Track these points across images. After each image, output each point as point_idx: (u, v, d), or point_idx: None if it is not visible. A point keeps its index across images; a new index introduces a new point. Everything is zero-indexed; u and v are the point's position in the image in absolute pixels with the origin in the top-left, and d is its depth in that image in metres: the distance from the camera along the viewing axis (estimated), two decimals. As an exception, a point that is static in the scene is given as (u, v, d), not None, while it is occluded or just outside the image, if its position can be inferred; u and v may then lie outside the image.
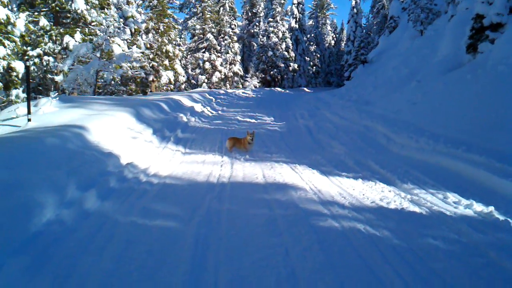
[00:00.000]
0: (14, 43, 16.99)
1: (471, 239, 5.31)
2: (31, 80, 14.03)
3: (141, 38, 30.26)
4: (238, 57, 53.86)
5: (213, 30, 51.02)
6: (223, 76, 50.20)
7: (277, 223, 5.94)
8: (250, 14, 68.98)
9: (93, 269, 4.44)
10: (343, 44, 75.89)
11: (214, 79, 48.71)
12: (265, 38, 59.79)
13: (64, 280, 4.17)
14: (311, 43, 70.98)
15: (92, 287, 4.10)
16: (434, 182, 8.02)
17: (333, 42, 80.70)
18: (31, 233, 5.10)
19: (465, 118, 11.53)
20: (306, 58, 67.08)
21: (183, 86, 46.25)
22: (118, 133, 10.93)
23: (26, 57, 22.04)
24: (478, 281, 4.31)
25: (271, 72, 59.60)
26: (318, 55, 71.70)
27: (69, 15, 23.28)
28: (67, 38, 21.57)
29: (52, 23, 22.82)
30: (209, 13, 51.04)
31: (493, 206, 6.54)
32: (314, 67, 70.88)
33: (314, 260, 4.74)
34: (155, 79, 32.84)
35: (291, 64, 60.15)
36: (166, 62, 34.23)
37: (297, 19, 65.07)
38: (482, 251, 4.97)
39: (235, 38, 55.23)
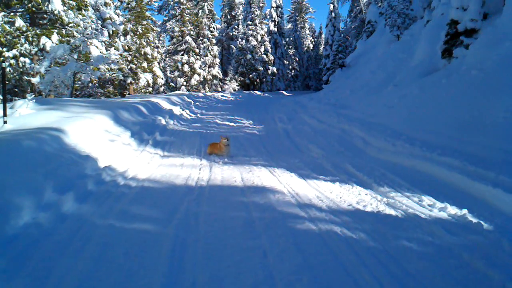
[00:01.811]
0: (-11, 44, 16.76)
1: (444, 241, 5.42)
2: (6, 82, 13.86)
3: (119, 40, 30.09)
4: (217, 60, 53.85)
5: (192, 32, 50.94)
6: (202, 79, 50.14)
7: (255, 226, 5.98)
8: (229, 17, 69.15)
9: (70, 271, 4.43)
10: (321, 48, 76.45)
11: (193, 81, 48.62)
12: (244, 41, 59.94)
13: (41, 283, 4.16)
14: (290, 46, 71.36)
15: (69, 290, 4.09)
16: (410, 185, 8.15)
17: (311, 46, 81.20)
18: (8, 236, 5.06)
19: (441, 122, 11.73)
20: (285, 61, 67.38)
21: (161, 89, 46.09)
22: (95, 135, 10.86)
23: (2, 58, 21.73)
24: (451, 281, 4.40)
25: (250, 75, 59.72)
26: (297, 59, 72.10)
27: (45, 16, 23.02)
28: (43, 40, 21.32)
29: (28, 24, 22.54)
30: (188, 15, 50.93)
31: (466, 209, 6.67)
32: (293, 71, 71.26)
33: (291, 261, 4.80)
34: (133, 81, 32.67)
35: (270, 67, 60.38)
36: (145, 64, 34.10)
37: (276, 23, 65.31)
38: (455, 253, 5.07)
39: (214, 41, 55.25)
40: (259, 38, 59.71)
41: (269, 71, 60.50)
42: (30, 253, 4.77)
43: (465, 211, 6.58)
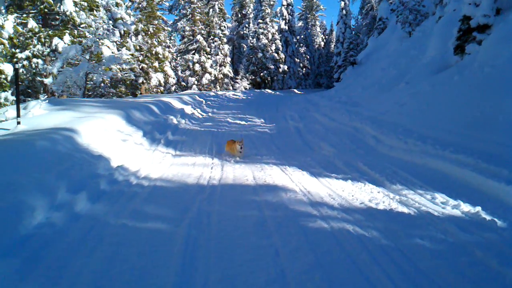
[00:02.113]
0: (2, 45, 16.93)
1: (458, 239, 5.39)
2: (20, 83, 14.00)
3: (131, 40, 30.21)
4: (228, 59, 53.87)
5: (202, 31, 51.03)
6: (213, 78, 50.21)
7: (267, 225, 5.98)
8: (239, 15, 69.16)
9: (83, 270, 4.46)
10: (332, 46, 76.32)
11: (204, 81, 48.71)
12: (255, 39, 59.97)
13: (55, 282, 4.19)
14: (301, 44, 71.25)
15: (83, 289, 4.12)
16: (422, 183, 8.11)
17: (322, 43, 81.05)
18: (22, 235, 5.11)
19: (453, 119, 11.65)
20: (296, 59, 67.30)
21: (173, 88, 46.24)
22: (108, 135, 10.93)
23: (15, 59, 21.93)
24: (464, 279, 4.38)
25: (261, 74, 59.75)
26: (308, 57, 72.00)
27: (57, 17, 23.20)
28: (56, 40, 21.49)
29: (40, 25, 22.72)
30: (198, 14, 51.05)
31: (480, 206, 6.62)
32: (304, 69, 71.14)
33: (304, 260, 4.79)
34: (144, 81, 32.81)
35: (281, 65, 60.35)
36: (156, 64, 34.21)
37: (287, 21, 65.30)
38: (469, 251, 5.04)
39: (225, 40, 55.25)
40: (270, 37, 59.71)
41: (280, 70, 60.47)
42: (44, 253, 4.81)
43: (478, 208, 6.53)
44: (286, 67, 60.96)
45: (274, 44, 59.87)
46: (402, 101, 15.88)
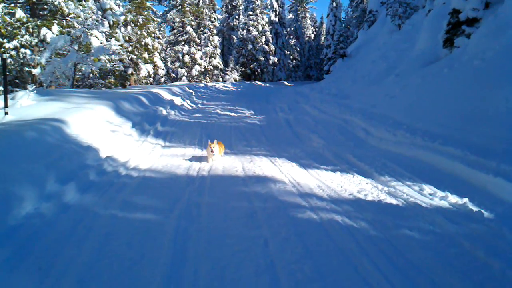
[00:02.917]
0: (-11, 35, 16.72)
1: (445, 230, 5.44)
2: (7, 73, 13.87)
3: (120, 30, 29.94)
4: (218, 51, 53.67)
5: (192, 23, 50.77)
6: (203, 70, 50.03)
7: (257, 216, 6.01)
8: (229, 7, 68.85)
9: (73, 261, 4.46)
10: (322, 38, 76.29)
11: (194, 72, 48.52)
12: (245, 31, 59.80)
13: (44, 272, 4.19)
14: (291, 36, 71.19)
15: (72, 279, 4.11)
16: (411, 175, 8.16)
17: (312, 36, 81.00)
18: (10, 226, 5.09)
19: (442, 112, 11.70)
20: (286, 51, 67.23)
21: (162, 80, 46.04)
22: (97, 126, 10.87)
23: (2, 49, 21.68)
24: (451, 270, 4.42)
25: (251, 66, 59.67)
26: (298, 49, 71.97)
27: (46, 7, 22.93)
28: (44, 31, 21.25)
29: (28, 15, 22.47)
30: (188, 5, 50.76)
31: (467, 197, 6.68)
32: (294, 61, 71.14)
33: (293, 251, 4.82)
34: (134, 72, 32.59)
35: (271, 57, 60.29)
36: (145, 55, 33.98)
37: (277, 13, 65.18)
38: (456, 241, 5.09)
39: (215, 31, 55.02)
40: (260, 28, 59.59)
41: (270, 62, 60.42)
42: (33, 243, 4.79)
43: (466, 199, 6.59)
44: (276, 59, 60.88)
45: (264, 36, 59.76)
46: (392, 93, 15.92)
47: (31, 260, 4.42)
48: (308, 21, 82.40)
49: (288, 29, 70.74)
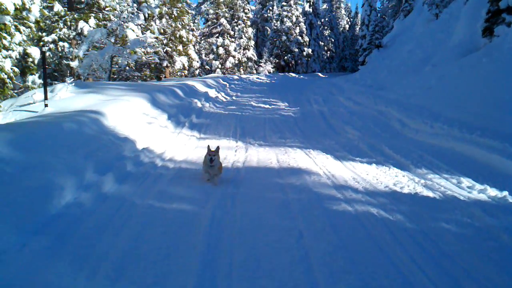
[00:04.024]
0: (29, 29, 17.13)
1: (484, 223, 5.35)
2: (47, 66, 14.20)
3: (155, 23, 30.25)
4: (252, 42, 53.63)
5: (226, 14, 50.79)
6: (236, 62, 50.09)
7: (291, 207, 6.02)
8: (263, -2, 68.59)
9: (111, 249, 4.56)
10: (357, 29, 75.30)
11: (228, 64, 48.64)
12: (278, 22, 59.57)
13: (83, 260, 4.29)
14: (325, 27, 70.58)
15: (110, 267, 4.20)
16: (448, 167, 8.03)
17: (347, 26, 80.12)
18: (51, 214, 5.23)
19: (481, 103, 11.46)
20: (320, 42, 66.73)
21: (197, 72, 46.29)
22: (133, 118, 11.04)
23: (42, 43, 22.22)
24: (489, 263, 4.35)
25: (285, 57, 59.42)
26: (333, 40, 71.34)
27: (83, 0, 23.38)
28: (81, 24, 21.69)
29: (66, 9, 22.93)
30: (222, -3, 50.80)
31: (507, 191, 6.55)
32: (328, 52, 70.54)
33: (327, 242, 4.81)
34: (169, 64, 32.90)
35: (305, 49, 59.90)
36: (180, 47, 34.24)
37: (311, 3, 64.68)
38: (495, 235, 5.01)
39: (249, 23, 54.94)
40: (294, 19, 59.23)
41: (304, 53, 60.04)
42: (73, 232, 4.92)
43: (505, 193, 6.46)
44: (310, 51, 60.47)
45: (298, 27, 59.39)
46: (429, 84, 15.66)
47: (71, 248, 4.54)
48: (343, 12, 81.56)
49: (323, 20, 70.16)
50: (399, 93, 17.18)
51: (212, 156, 6.95)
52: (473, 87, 12.64)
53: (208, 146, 7.25)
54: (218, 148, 7.22)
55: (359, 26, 69.60)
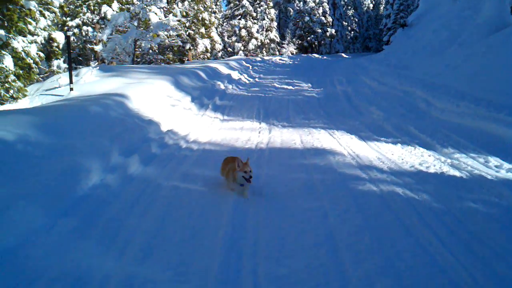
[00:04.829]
0: (54, 14, 17.29)
1: (512, 203, 5.26)
2: (71, 51, 14.35)
3: (177, 6, 30.19)
4: (274, 24, 53.25)
5: (249, -4, 50.47)
6: (259, 43, 49.86)
7: (316, 187, 6.00)
8: (286, -22, 67.88)
9: (138, 230, 4.62)
10: (382, 8, 74.00)
11: (251, 46, 48.47)
12: (301, 3, 58.94)
13: (110, 241, 4.36)
14: (349, 7, 69.63)
15: (136, 248, 4.26)
16: (475, 146, 7.90)
17: (371, 5, 78.78)
18: (79, 196, 5.32)
19: (509, 81, 11.20)
20: (344, 23, 65.88)
21: (219, 54, 46.22)
22: (157, 101, 11.11)
23: (66, 27, 22.41)
24: (518, 243, 4.28)
25: (308, 38, 58.90)
26: (356, 20, 70.35)
27: (106, -16, 23.44)
28: (104, 8, 21.81)
29: (90, -7, 23.04)
30: (244, -21, 50.42)
31: (536, 170, 6.42)
32: (352, 32, 69.65)
33: (352, 222, 4.80)
34: (191, 47, 32.89)
35: (328, 29, 59.24)
36: (203, 30, 34.19)
37: (334, -17, 63.72)
38: (524, 214, 4.92)
39: (271, 4, 54.46)
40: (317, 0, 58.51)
41: (328, 33, 59.38)
42: (100, 213, 4.99)
43: (534, 172, 6.33)
44: (333, 31, 59.78)
45: (321, 7, 58.70)
46: (455, 63, 15.35)
47: (99, 229, 4.62)
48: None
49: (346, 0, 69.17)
50: (425, 72, 16.88)
51: (249, 173, 5.45)
52: (500, 66, 12.34)
53: (238, 158, 5.55)
54: (248, 159, 5.68)
55: (383, 5, 68.50)
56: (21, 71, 13.83)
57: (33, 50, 14.61)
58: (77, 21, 22.46)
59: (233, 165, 5.57)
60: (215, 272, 3.82)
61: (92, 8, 22.35)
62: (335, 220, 4.87)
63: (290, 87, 19.53)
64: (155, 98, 11.14)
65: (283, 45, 57.87)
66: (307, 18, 57.92)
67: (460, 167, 6.80)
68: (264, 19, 51.41)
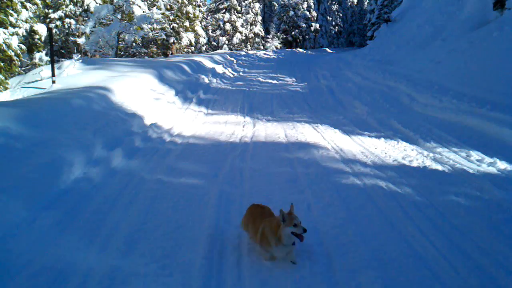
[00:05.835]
0: (36, 6, 17.06)
1: (493, 196, 5.32)
2: (53, 43, 14.18)
3: (161, -1, 29.99)
4: (259, 18, 53.14)
5: (233, -11, 50.28)
6: (244, 37, 49.74)
7: (299, 181, 6.02)
8: (271, -28, 67.75)
9: (121, 223, 4.60)
10: (366, 3, 74.29)
11: (235, 40, 48.32)
12: (286, -3, 58.90)
13: (94, 234, 4.34)
14: (333, 2, 69.78)
15: (120, 241, 4.24)
16: (458, 141, 7.97)
17: (355, 0, 79.04)
18: (61, 189, 5.28)
19: (491, 77, 11.32)
20: (328, 17, 66.08)
21: (204, 48, 46.01)
22: (141, 94, 11.04)
23: (48, 20, 22.14)
24: (499, 236, 4.33)
25: (293, 33, 58.97)
26: (341, 15, 70.57)
27: (89, -24, 23.16)
28: (87, 0, 21.54)
29: (72, -15, 22.77)
30: (229, -28, 50.22)
31: (516, 164, 6.51)
32: (336, 27, 69.84)
33: (336, 215, 4.82)
34: (175, 41, 32.69)
35: (313, 24, 59.35)
36: (187, 23, 33.97)
37: (319, -23, 63.77)
38: (504, 208, 4.98)
39: (256, -2, 54.40)
40: (302, -6, 58.54)
41: (312, 28, 59.49)
42: (82, 206, 4.97)
43: (515, 166, 6.42)
44: (318, 26, 59.92)
45: (305, 2, 58.74)
46: (438, 58, 15.47)
47: (81, 222, 4.59)
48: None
49: (330, -6, 69.32)
50: (408, 68, 16.99)
51: (300, 225, 3.81)
52: (483, 62, 12.47)
53: (281, 210, 3.90)
54: (292, 206, 4.08)
55: (367, 0, 68.75)
56: (2, 64, 13.65)
57: (15, 42, 14.42)
58: (60, 13, 22.19)
59: (269, 221, 4.01)
60: (199, 265, 3.81)
61: (75, 0, 22.08)
62: (318, 213, 4.90)
63: (275, 81, 19.53)
64: (138, 92, 11.06)
65: (268, 40, 57.81)
66: (291, 13, 57.95)
67: (442, 161, 6.87)
68: (248, 13, 51.28)
